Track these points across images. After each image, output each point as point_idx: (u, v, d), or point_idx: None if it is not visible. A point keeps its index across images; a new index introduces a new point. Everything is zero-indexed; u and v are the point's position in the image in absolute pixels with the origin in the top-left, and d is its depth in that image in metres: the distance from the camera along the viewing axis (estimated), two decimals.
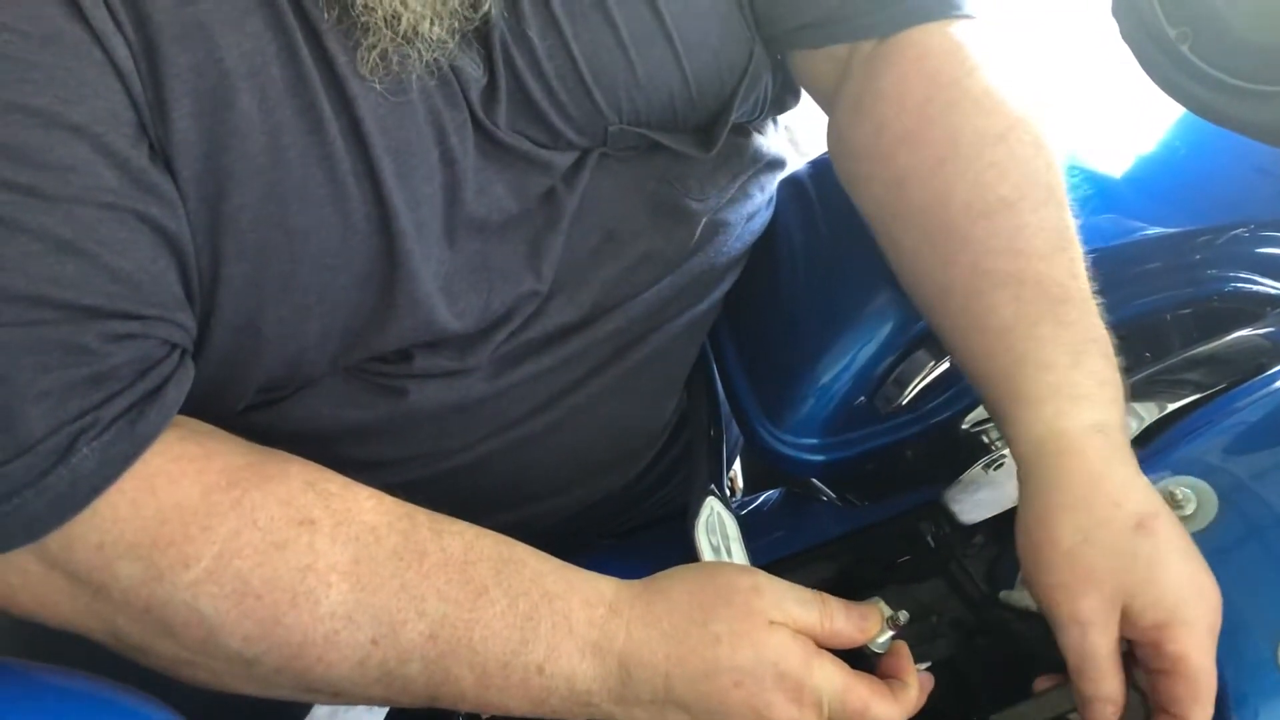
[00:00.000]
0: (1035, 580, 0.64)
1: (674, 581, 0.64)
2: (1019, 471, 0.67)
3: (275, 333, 0.64)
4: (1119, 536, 0.62)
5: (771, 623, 0.62)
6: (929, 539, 0.79)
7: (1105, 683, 0.63)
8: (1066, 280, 0.67)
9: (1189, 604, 0.62)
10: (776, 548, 0.80)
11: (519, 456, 0.79)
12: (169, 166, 0.57)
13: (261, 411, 0.69)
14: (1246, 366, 0.85)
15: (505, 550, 0.63)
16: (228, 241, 0.60)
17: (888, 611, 0.65)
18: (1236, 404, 0.79)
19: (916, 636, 0.67)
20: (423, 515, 0.62)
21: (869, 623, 0.64)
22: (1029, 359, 0.66)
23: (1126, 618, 0.62)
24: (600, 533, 0.96)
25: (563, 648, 0.61)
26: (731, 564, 0.71)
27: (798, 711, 0.61)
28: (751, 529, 0.87)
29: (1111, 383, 0.66)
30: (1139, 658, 0.64)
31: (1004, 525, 0.75)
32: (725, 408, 0.91)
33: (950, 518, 0.79)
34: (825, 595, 0.65)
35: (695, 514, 0.76)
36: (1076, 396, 0.65)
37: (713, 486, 0.79)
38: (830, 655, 0.63)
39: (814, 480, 0.87)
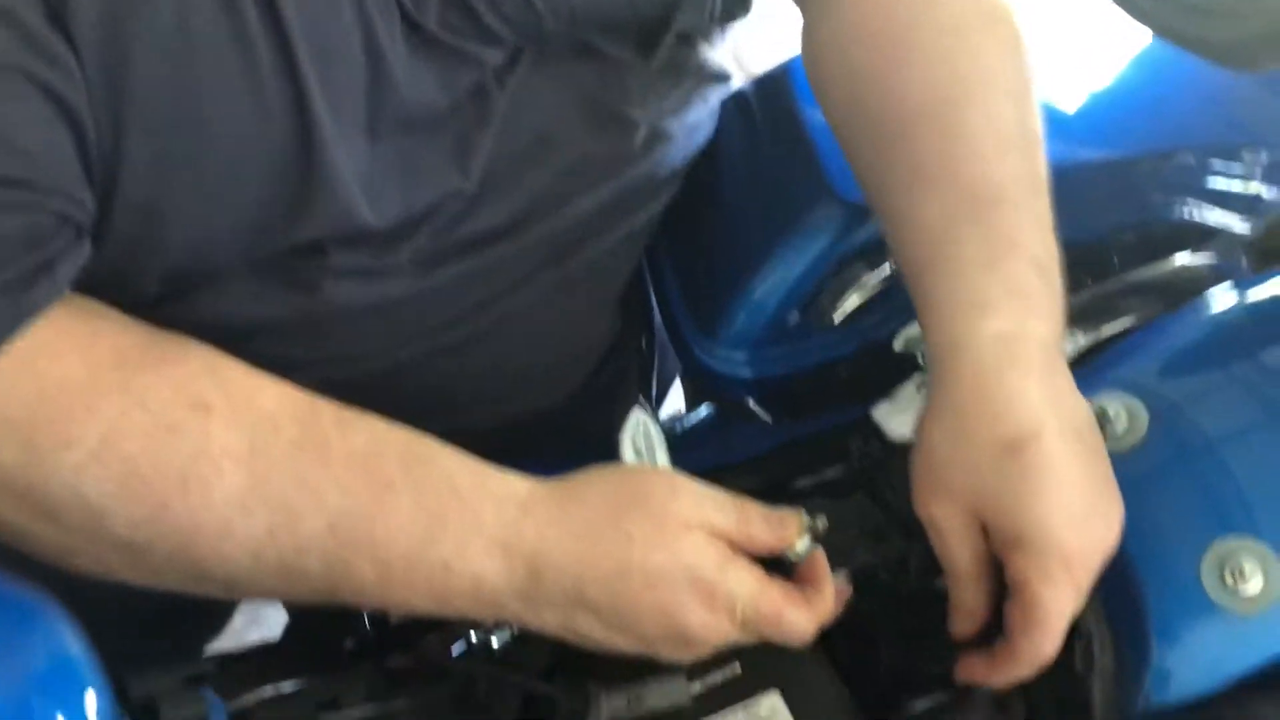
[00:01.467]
0: (911, 481, 0.64)
1: (589, 482, 0.63)
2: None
3: (181, 218, 0.61)
4: (984, 453, 0.61)
5: (687, 525, 0.60)
6: (856, 455, 0.78)
7: (961, 591, 0.64)
8: (1006, 183, 0.65)
9: (1045, 532, 0.60)
10: (704, 461, 0.78)
11: (442, 365, 0.76)
12: (66, 32, 0.54)
13: (169, 305, 0.66)
14: (1186, 294, 0.84)
15: (415, 446, 0.61)
16: (130, 116, 0.57)
17: (807, 520, 0.64)
18: (1174, 326, 0.79)
19: (837, 549, 0.66)
20: (328, 407, 0.60)
21: (787, 529, 0.63)
22: (941, 261, 0.65)
23: (987, 533, 0.62)
24: (535, 456, 0.93)
25: (471, 545, 0.59)
26: (649, 467, 0.70)
27: (710, 616, 0.60)
28: (680, 444, 0.85)
29: (1030, 292, 0.63)
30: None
31: None
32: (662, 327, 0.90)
33: (879, 434, 0.77)
34: (743, 501, 0.63)
35: (621, 424, 0.74)
36: (981, 303, 0.63)
37: (640, 398, 0.77)
38: (745, 560, 0.61)
39: (745, 397, 0.86)
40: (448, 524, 0.58)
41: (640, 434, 0.73)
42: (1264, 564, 0.64)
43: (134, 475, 0.54)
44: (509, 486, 0.61)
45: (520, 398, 0.83)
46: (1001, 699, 0.67)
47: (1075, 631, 0.66)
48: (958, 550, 0.63)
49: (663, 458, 0.74)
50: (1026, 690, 0.67)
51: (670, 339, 0.85)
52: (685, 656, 0.62)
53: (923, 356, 0.81)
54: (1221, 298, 0.79)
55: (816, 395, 0.83)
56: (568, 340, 0.83)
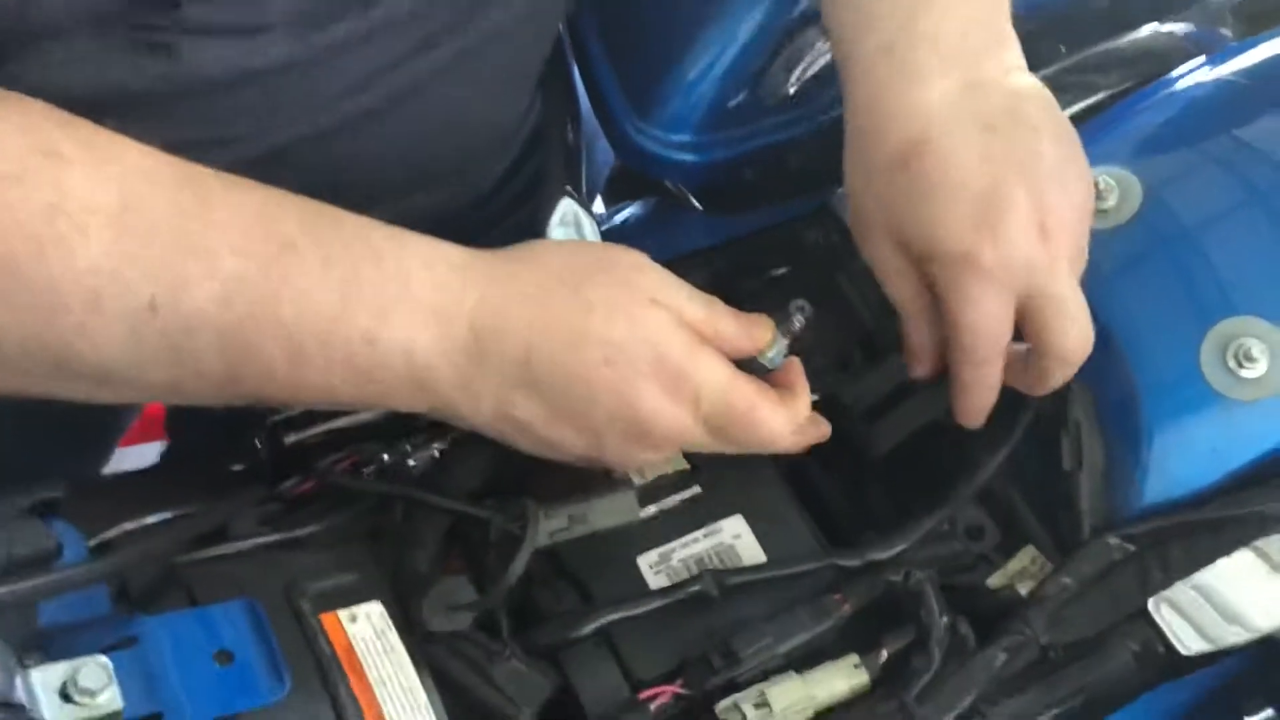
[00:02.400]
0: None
1: (541, 249, 0.54)
2: None
3: None
4: (881, 173, 0.56)
5: (654, 302, 0.52)
6: (813, 248, 0.69)
7: (908, 330, 0.59)
8: None
9: (941, 242, 0.55)
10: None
11: (334, 148, 0.65)
12: None
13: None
14: (1161, 66, 0.76)
15: (316, 206, 0.51)
16: None
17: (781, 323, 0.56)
18: (1162, 97, 0.71)
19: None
20: (208, 170, 0.50)
21: (759, 330, 0.55)
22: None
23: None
24: None
25: (397, 313, 0.49)
26: (611, 244, 0.60)
27: (671, 405, 0.52)
28: (614, 240, 0.77)
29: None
30: None
31: None
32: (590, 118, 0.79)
33: (838, 224, 0.69)
34: (713, 297, 0.55)
35: (548, 214, 0.65)
36: (865, 21, 0.58)
37: (569, 189, 0.67)
38: (715, 351, 0.53)
39: (685, 186, 0.77)
40: (364, 289, 0.49)
41: (570, 223, 0.64)
42: (1271, 345, 0.58)
43: None
44: (437, 249, 0.52)
45: (429, 190, 0.73)
46: (973, 527, 0.61)
47: (1062, 426, 0.60)
48: (896, 286, 0.58)
49: None
50: (1006, 503, 0.61)
51: (601, 124, 0.74)
52: (636, 459, 0.55)
53: None
54: (1212, 66, 0.71)
55: (764, 185, 0.75)
56: (477, 121, 0.72)
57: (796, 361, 0.58)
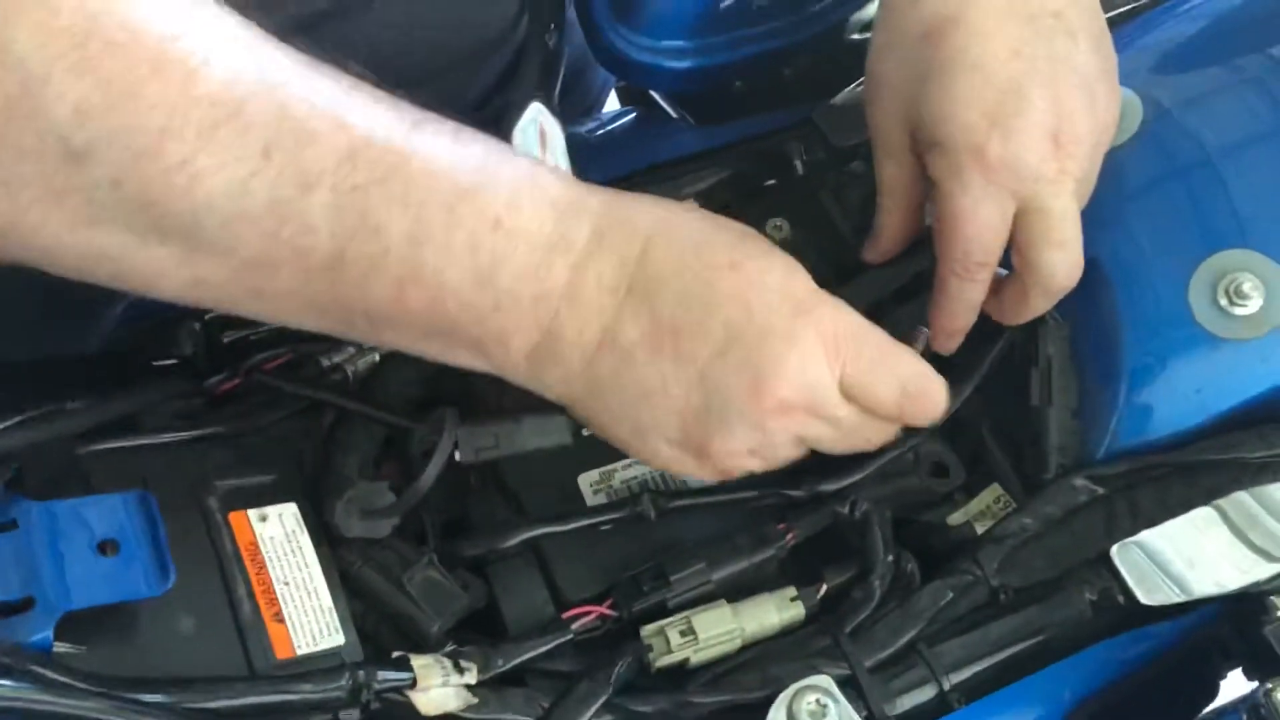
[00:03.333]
0: None
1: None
2: None
3: None
4: (906, 41, 0.53)
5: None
6: (798, 163, 0.66)
7: (881, 211, 0.57)
8: None
9: (953, 128, 0.52)
10: (622, 165, 0.67)
11: (319, 52, 0.63)
12: None
13: None
14: None
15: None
16: None
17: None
18: (1169, 18, 0.66)
19: None
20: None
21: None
22: None
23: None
24: None
25: (527, 198, 0.45)
26: None
27: (802, 328, 0.47)
28: (595, 149, 0.74)
29: None
30: None
31: None
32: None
33: (824, 139, 0.66)
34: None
35: (514, 118, 0.62)
36: None
37: (540, 94, 0.65)
38: None
39: (673, 99, 0.73)
40: (500, 171, 0.46)
41: (534, 129, 0.61)
42: (1266, 281, 0.54)
43: (93, 34, 0.38)
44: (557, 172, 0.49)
45: (412, 92, 0.71)
46: (938, 464, 0.58)
47: (1033, 360, 0.57)
48: (888, 166, 0.56)
49: (563, 159, 0.62)
50: (975, 440, 0.58)
51: (584, 31, 0.71)
52: (739, 436, 0.49)
53: None
54: None
55: (753, 97, 0.71)
56: (459, 20, 0.69)
57: None
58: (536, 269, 0.45)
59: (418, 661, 0.46)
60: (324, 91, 0.43)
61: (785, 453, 0.51)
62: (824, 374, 0.48)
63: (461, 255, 0.44)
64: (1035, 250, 0.53)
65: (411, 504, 0.50)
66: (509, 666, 0.49)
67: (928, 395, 0.51)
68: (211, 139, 0.40)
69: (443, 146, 0.45)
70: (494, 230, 0.45)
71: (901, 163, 0.56)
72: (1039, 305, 0.55)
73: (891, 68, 0.55)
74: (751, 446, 0.49)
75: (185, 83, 0.40)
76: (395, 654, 0.47)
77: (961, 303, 0.55)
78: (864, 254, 0.60)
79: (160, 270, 0.43)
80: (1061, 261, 0.53)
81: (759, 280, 0.47)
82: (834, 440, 0.51)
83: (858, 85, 0.67)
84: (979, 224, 0.52)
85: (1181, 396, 0.55)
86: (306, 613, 0.47)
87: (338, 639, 0.47)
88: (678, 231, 0.48)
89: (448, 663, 0.47)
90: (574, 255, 0.46)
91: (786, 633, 0.52)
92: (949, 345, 0.56)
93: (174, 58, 0.40)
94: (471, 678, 0.47)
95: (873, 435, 0.52)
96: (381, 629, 0.50)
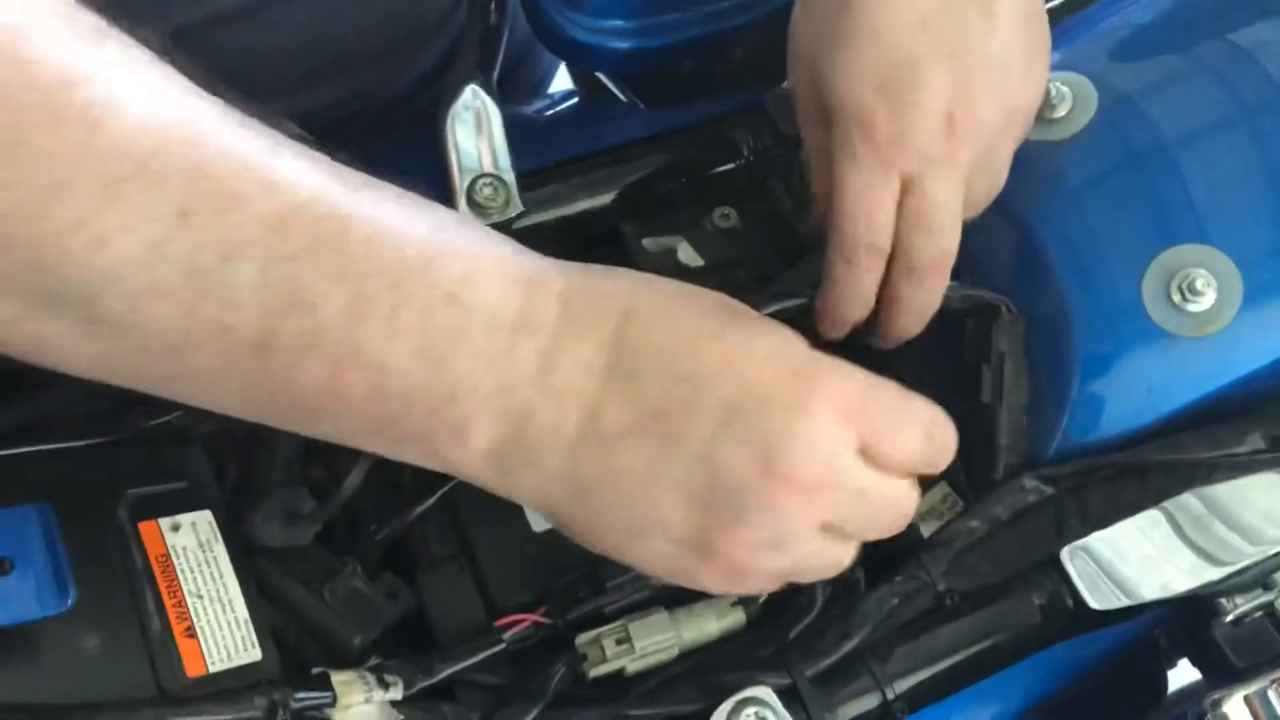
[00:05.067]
0: None
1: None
2: None
3: None
4: (821, 10, 0.51)
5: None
6: (745, 150, 0.64)
7: (815, 185, 0.54)
8: None
9: (843, 95, 0.49)
10: (567, 150, 0.64)
11: (233, 36, 0.61)
12: None
13: None
14: None
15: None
16: None
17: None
18: (1130, 1, 0.64)
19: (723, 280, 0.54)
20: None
21: None
22: None
23: None
24: None
25: (487, 272, 0.40)
26: None
27: (804, 399, 0.41)
28: (539, 133, 0.72)
29: None
30: None
31: None
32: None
33: (772, 125, 0.64)
34: None
35: (450, 100, 0.60)
36: None
37: (479, 75, 0.62)
38: None
39: (618, 81, 0.71)
40: (454, 239, 0.40)
41: (470, 114, 0.59)
42: (1219, 277, 0.52)
43: None
44: (518, 253, 0.43)
45: (350, 77, 0.68)
46: None
47: (984, 356, 0.55)
48: (806, 126, 0.54)
49: (501, 144, 0.60)
50: None
51: (524, 10, 0.68)
52: (754, 528, 0.42)
53: None
54: None
55: (701, 79, 0.69)
56: (388, 5, 0.67)
57: None
58: (499, 352, 0.40)
59: (338, 678, 0.44)
60: (251, 148, 0.38)
61: (808, 544, 0.44)
62: (839, 445, 0.42)
63: (409, 335, 0.39)
64: (903, 231, 0.50)
65: (335, 510, 0.48)
66: (437, 679, 0.47)
67: (948, 433, 0.46)
68: (116, 197, 0.35)
69: (388, 213, 0.40)
70: (448, 305, 0.39)
71: (817, 131, 0.53)
72: (904, 295, 0.51)
73: (806, 33, 0.52)
74: (766, 537, 0.42)
75: (87, 133, 0.35)
76: (315, 670, 0.44)
77: (849, 290, 0.51)
78: (802, 228, 0.57)
79: (57, 344, 0.38)
80: (924, 246, 0.50)
81: (747, 348, 0.42)
82: (864, 519, 0.45)
83: None
84: (867, 202, 0.49)
85: (1133, 395, 0.54)
86: (220, 627, 0.44)
87: (254, 654, 0.44)
88: (655, 304, 0.43)
89: (371, 678, 0.45)
90: (543, 337, 0.41)
91: (727, 640, 0.51)
92: (834, 332, 0.53)
93: (72, 103, 0.35)
94: (397, 693, 0.45)
95: (901, 501, 0.45)
96: (304, 643, 0.48)
